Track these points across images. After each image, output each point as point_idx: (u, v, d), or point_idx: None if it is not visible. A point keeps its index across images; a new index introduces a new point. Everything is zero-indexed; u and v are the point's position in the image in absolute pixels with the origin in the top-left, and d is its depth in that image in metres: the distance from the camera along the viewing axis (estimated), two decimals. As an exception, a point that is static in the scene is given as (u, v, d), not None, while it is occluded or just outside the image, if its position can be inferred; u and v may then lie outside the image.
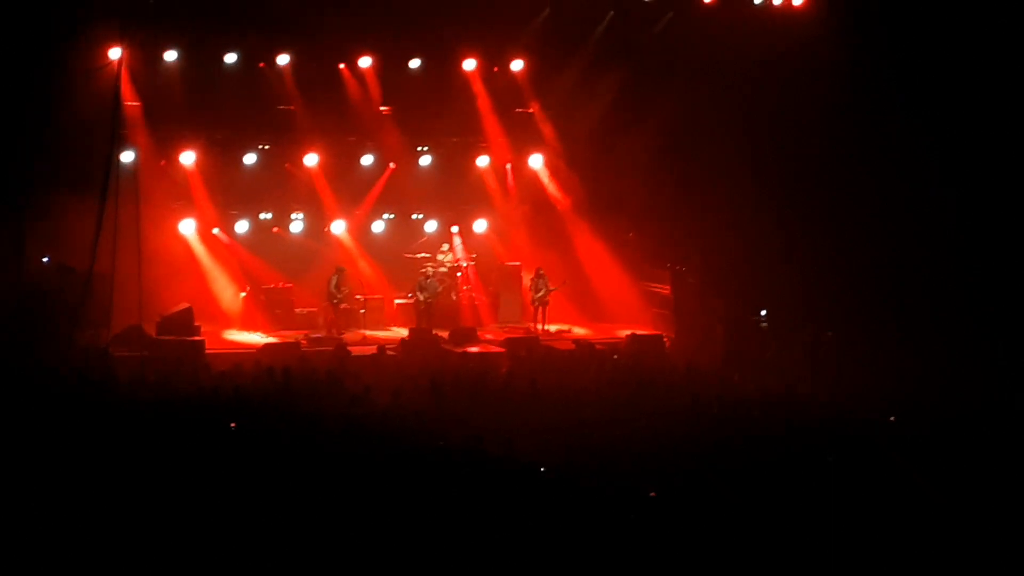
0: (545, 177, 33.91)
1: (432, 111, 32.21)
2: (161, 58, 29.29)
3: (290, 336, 29.20)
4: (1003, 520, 14.16)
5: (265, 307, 30.84)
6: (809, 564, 13.33)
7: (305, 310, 31.14)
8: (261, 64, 30.48)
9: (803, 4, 29.99)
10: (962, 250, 26.70)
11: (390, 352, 27.08)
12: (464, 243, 33.60)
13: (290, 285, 31.38)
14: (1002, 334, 24.93)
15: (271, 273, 31.53)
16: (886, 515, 14.24)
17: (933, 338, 25.31)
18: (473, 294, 33.02)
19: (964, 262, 26.59)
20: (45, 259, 27.59)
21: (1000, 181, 26.69)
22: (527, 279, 32.22)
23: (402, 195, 33.17)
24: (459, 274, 32.70)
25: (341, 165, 32.33)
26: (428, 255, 32.77)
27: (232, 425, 17.98)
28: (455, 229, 33.55)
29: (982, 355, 23.79)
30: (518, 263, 33.43)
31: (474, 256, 33.49)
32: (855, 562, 13.29)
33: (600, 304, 33.12)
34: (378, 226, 33.26)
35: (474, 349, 28.49)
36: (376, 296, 31.91)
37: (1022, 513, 14.31)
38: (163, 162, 30.29)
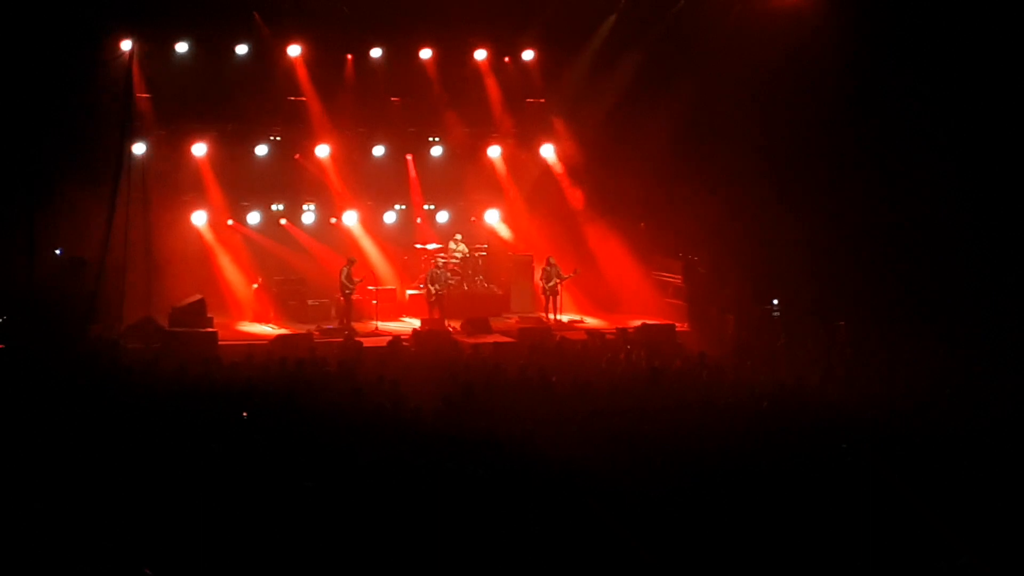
0: (557, 167, 33.89)
1: (443, 101, 32.22)
2: (172, 49, 29.27)
3: (302, 327, 29.21)
4: (1008, 521, 14.08)
5: (277, 298, 30.88)
6: (818, 559, 13.31)
7: (317, 301, 31.16)
8: (273, 55, 30.46)
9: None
10: (979, 245, 26.61)
11: (403, 343, 27.08)
12: (476, 233, 33.65)
13: (302, 276, 31.42)
14: (1017, 332, 24.81)
15: (283, 264, 31.57)
16: (891, 514, 14.20)
17: (946, 329, 25.24)
18: (485, 284, 33.06)
19: (981, 257, 26.50)
20: (57, 252, 27.62)
21: (1015, 175, 26.61)
22: (538, 269, 32.21)
23: (414, 185, 33.25)
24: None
25: (352, 156, 32.36)
26: (439, 246, 32.80)
27: (244, 415, 18.01)
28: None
29: (997, 353, 23.67)
30: (529, 253, 33.42)
31: (485, 246, 33.52)
32: (861, 558, 13.26)
33: (612, 294, 33.11)
34: (390, 217, 33.29)
35: (487, 340, 28.49)
36: (388, 287, 31.93)
37: None
38: (174, 154, 30.30)
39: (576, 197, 33.56)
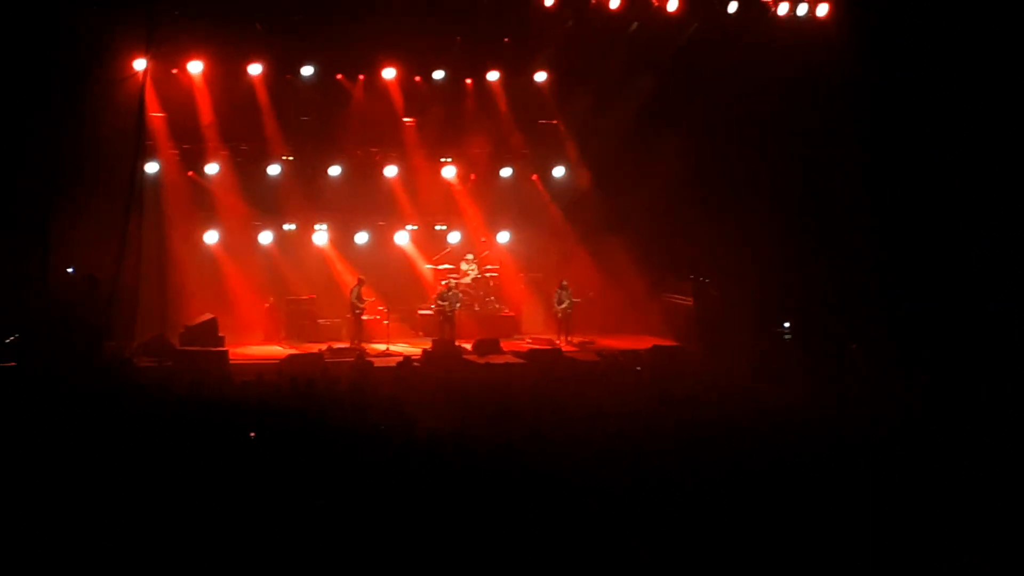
0: (569, 189, 33.92)
1: (456, 123, 32.27)
2: (186, 69, 29.35)
3: (313, 347, 29.23)
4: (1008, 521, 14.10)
5: (288, 318, 30.91)
6: (819, 558, 13.32)
7: (328, 321, 31.19)
8: (288, 76, 30.53)
9: (827, 16, 30.00)
10: (992, 265, 26.60)
11: (414, 363, 27.08)
12: (488, 254, 33.67)
13: (313, 296, 31.45)
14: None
15: (295, 284, 31.59)
16: (906, 529, 14.19)
17: (959, 352, 25.22)
18: (496, 305, 33.07)
19: (994, 277, 26.48)
20: (70, 270, 27.67)
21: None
22: (551, 291, 32.21)
23: (425, 206, 33.30)
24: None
25: (365, 176, 32.41)
26: (451, 266, 32.83)
27: (252, 435, 18.00)
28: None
29: (1010, 371, 23.65)
30: (541, 275, 33.43)
31: (496, 267, 33.55)
32: (861, 560, 13.28)
33: (623, 316, 33.08)
34: (401, 237, 33.31)
35: (497, 361, 28.47)
36: (399, 307, 31.93)
37: None
38: (190, 172, 30.40)
39: (588, 219, 33.57)
